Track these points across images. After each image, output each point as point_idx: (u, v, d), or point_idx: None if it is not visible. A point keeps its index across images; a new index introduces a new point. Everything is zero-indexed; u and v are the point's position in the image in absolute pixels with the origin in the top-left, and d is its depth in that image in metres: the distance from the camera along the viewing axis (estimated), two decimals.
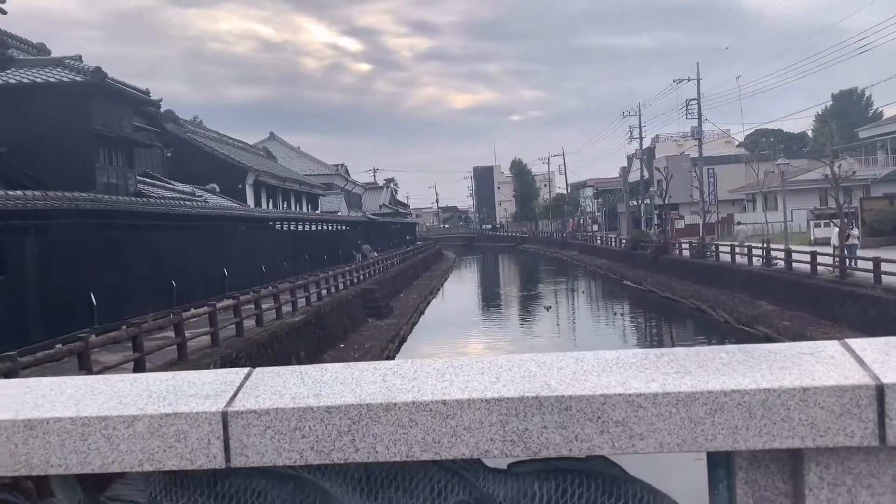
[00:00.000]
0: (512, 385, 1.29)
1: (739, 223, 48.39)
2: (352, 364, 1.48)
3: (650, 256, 41.43)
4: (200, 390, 1.38)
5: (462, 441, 1.26)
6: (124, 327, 12.43)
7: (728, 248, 32.01)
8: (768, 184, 47.17)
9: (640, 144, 60.91)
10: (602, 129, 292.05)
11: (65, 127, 18.37)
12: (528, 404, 1.25)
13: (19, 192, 13.75)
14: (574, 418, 1.24)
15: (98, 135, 19.42)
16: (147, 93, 22.29)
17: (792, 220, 39.32)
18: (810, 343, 1.40)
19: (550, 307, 35.26)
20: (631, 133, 59.79)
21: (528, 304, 38.20)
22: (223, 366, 12.44)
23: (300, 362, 16.29)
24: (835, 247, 24.01)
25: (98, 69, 19.06)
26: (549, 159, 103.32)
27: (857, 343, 1.36)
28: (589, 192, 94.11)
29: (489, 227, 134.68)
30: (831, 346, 1.37)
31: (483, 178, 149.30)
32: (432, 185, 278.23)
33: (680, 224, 55.72)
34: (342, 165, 66.13)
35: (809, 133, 67.48)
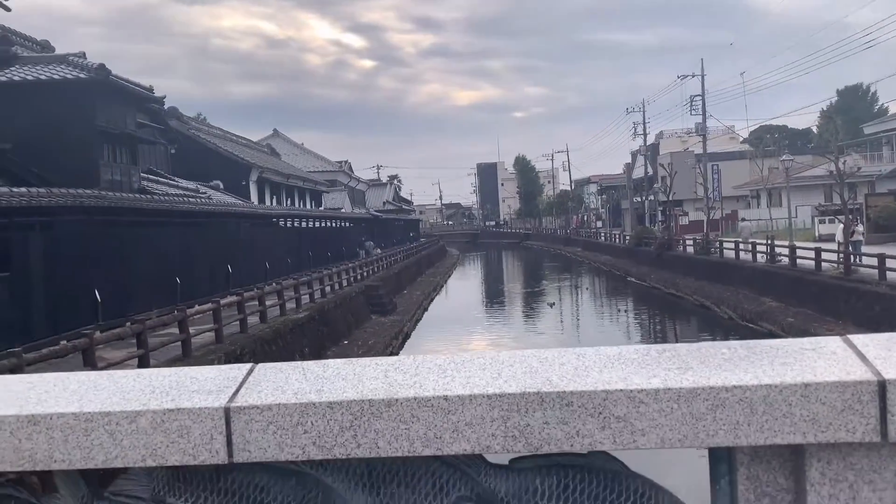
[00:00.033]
0: (513, 381, 1.29)
1: (744, 220, 48.20)
2: (353, 360, 1.48)
3: (654, 253, 41.37)
4: (203, 386, 1.38)
5: (463, 436, 1.26)
6: (128, 324, 12.46)
7: (732, 245, 31.92)
8: (773, 180, 47.05)
9: (644, 141, 60.80)
10: (606, 126, 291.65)
11: (69, 124, 18.40)
12: (530, 400, 1.25)
13: (24, 189, 13.79)
14: (575, 414, 1.24)
15: (102, 132, 19.45)
16: (151, 90, 22.32)
17: (796, 217, 39.23)
18: (812, 339, 1.40)
19: (554, 304, 35.23)
20: (635, 129, 59.69)
21: (532, 300, 38.19)
22: (227, 362, 12.48)
23: (304, 359, 16.30)
24: (839, 243, 23.96)
25: (102, 66, 19.09)
26: (552, 156, 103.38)
27: (859, 339, 1.36)
28: (593, 188, 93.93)
29: (493, 223, 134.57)
30: (833, 342, 1.37)
31: (486, 175, 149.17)
32: (436, 181, 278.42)
33: (684, 220, 55.62)
34: (346, 162, 66.09)
35: (814, 129, 67.31)
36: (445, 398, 1.26)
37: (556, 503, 1.32)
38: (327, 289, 24.70)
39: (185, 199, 22.61)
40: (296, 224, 35.43)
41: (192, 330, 13.73)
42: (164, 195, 21.42)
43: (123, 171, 20.69)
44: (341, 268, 29.64)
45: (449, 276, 53.92)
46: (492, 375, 1.32)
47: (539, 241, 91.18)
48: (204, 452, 1.29)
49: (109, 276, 15.78)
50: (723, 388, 1.23)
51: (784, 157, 36.58)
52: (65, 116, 18.44)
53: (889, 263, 19.32)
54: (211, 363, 11.88)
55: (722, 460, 1.32)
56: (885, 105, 62.32)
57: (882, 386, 1.20)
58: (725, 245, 33.22)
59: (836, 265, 22.70)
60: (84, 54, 21.75)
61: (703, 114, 46.67)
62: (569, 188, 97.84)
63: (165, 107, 27.24)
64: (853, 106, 63.56)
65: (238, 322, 16.06)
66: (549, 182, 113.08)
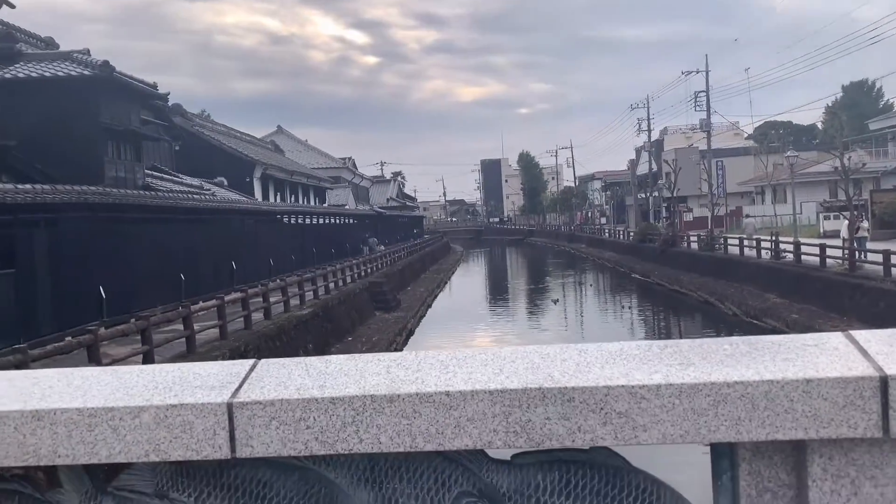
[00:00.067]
0: (515, 376, 1.29)
1: (748, 216, 48.15)
2: (356, 356, 1.48)
3: (658, 249, 41.32)
4: (206, 381, 1.39)
5: (465, 432, 1.26)
6: (133, 320, 12.48)
7: (737, 241, 31.88)
8: (777, 176, 46.95)
9: (649, 137, 60.66)
10: (610, 122, 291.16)
11: (73, 121, 18.43)
12: (532, 395, 1.25)
13: (28, 186, 13.82)
14: (577, 410, 1.24)
15: (106, 128, 19.47)
16: (155, 86, 22.34)
17: (801, 213, 39.11)
18: (814, 334, 1.40)
19: (558, 300, 35.22)
20: (639, 125, 59.58)
21: (536, 297, 38.18)
22: (231, 359, 12.48)
23: (308, 355, 16.33)
24: (844, 239, 23.90)
25: (106, 63, 19.11)
26: (556, 152, 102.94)
27: (862, 335, 1.36)
28: (597, 184, 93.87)
29: (497, 220, 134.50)
30: (835, 338, 1.36)
31: (490, 171, 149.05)
32: (440, 178, 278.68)
33: (688, 217, 55.59)
34: (349, 159, 66.12)
35: (819, 125, 67.01)
36: (447, 394, 1.26)
37: (557, 498, 1.33)
38: (331, 285, 24.72)
39: (190, 195, 22.64)
40: (299, 221, 35.45)
41: (196, 326, 13.77)
42: (168, 192, 21.45)
43: (128, 167, 20.72)
44: (345, 264, 29.66)
45: (453, 273, 53.93)
46: (493, 371, 1.33)
47: (543, 237, 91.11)
48: (207, 448, 1.30)
49: (114, 272, 15.82)
50: (724, 384, 1.23)
51: (789, 153, 36.53)
52: (69, 113, 18.46)
53: (894, 260, 19.27)
54: (215, 359, 11.90)
55: (724, 456, 1.32)
56: (891, 101, 62.09)
57: (884, 381, 1.20)
58: (730, 241, 33.18)
59: (840, 261, 22.66)
60: (88, 51, 21.76)
61: (708, 110, 46.57)
62: (573, 184, 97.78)
63: (169, 103, 27.24)
64: (858, 102, 63.30)
65: (242, 318, 16.09)
66: (552, 178, 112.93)
